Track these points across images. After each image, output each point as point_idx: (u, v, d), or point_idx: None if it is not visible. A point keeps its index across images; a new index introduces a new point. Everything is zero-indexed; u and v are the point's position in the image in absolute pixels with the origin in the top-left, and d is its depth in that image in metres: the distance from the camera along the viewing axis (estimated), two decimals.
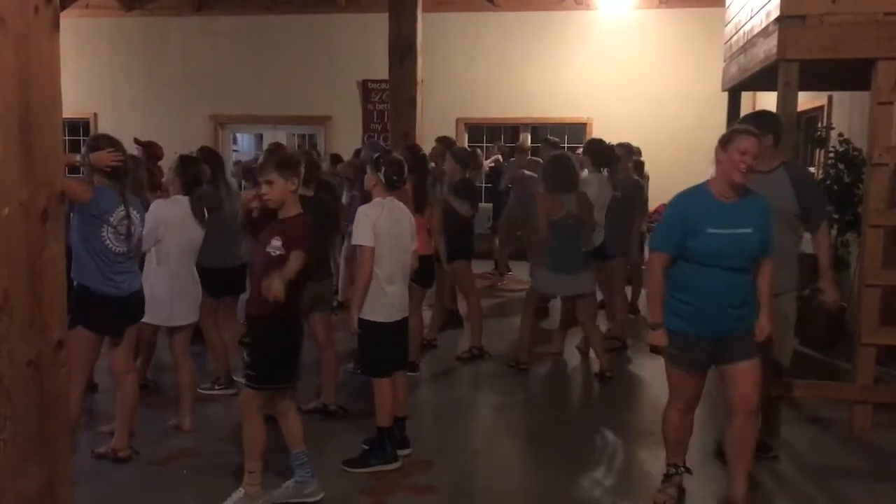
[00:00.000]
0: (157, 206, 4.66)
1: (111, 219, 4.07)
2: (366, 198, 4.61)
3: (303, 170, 3.95)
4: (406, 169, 4.51)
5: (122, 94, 12.64)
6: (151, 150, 6.99)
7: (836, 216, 6.80)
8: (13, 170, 2.57)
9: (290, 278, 3.57)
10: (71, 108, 11.37)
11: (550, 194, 5.89)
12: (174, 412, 4.95)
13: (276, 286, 3.50)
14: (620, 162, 7.07)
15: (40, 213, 2.69)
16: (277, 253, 3.67)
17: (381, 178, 4.30)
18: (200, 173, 4.86)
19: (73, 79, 11.59)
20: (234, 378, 5.50)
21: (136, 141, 6.89)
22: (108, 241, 4.08)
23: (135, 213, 4.23)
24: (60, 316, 2.93)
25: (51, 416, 2.89)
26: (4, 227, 2.58)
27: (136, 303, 4.34)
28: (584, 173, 7.83)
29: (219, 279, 5.31)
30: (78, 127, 12.50)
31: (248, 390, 3.79)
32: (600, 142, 6.96)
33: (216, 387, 5.52)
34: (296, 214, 3.78)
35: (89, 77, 12.31)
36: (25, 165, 2.61)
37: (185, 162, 4.86)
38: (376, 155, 4.54)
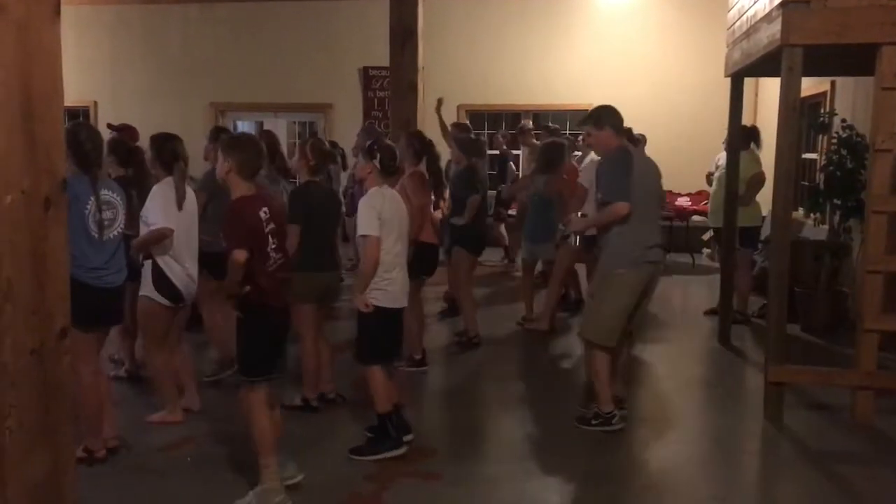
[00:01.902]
0: (156, 190, 4.60)
1: (87, 207, 3.98)
2: None
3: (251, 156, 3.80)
4: (398, 155, 4.48)
5: (122, 82, 12.60)
6: (127, 134, 6.88)
7: (838, 202, 6.79)
8: (15, 157, 2.56)
9: (231, 288, 3.62)
10: (71, 96, 11.32)
11: (530, 174, 7.12)
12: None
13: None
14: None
15: (43, 201, 2.68)
16: (223, 246, 3.68)
17: (378, 165, 4.26)
18: (177, 148, 4.71)
19: (74, 67, 11.54)
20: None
21: (110, 126, 6.81)
22: (85, 230, 3.97)
23: (115, 197, 4.16)
24: (63, 304, 2.93)
25: (55, 404, 2.89)
26: (7, 215, 2.57)
27: (118, 301, 4.26)
28: (591, 156, 7.87)
29: (221, 262, 5.27)
30: (78, 115, 12.46)
31: (244, 384, 3.75)
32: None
33: (226, 371, 5.47)
34: (232, 201, 3.70)
35: (89, 65, 12.27)
36: (27, 153, 2.60)
37: (157, 140, 4.74)
38: (369, 143, 4.49)
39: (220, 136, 5.25)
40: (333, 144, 9.02)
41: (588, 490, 4.03)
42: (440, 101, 7.89)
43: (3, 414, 2.69)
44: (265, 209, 3.71)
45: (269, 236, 3.68)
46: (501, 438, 4.74)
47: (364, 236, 4.16)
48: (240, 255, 3.54)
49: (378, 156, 4.24)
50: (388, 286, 4.23)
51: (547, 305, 6.92)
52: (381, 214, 4.15)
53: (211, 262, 5.11)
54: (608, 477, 4.17)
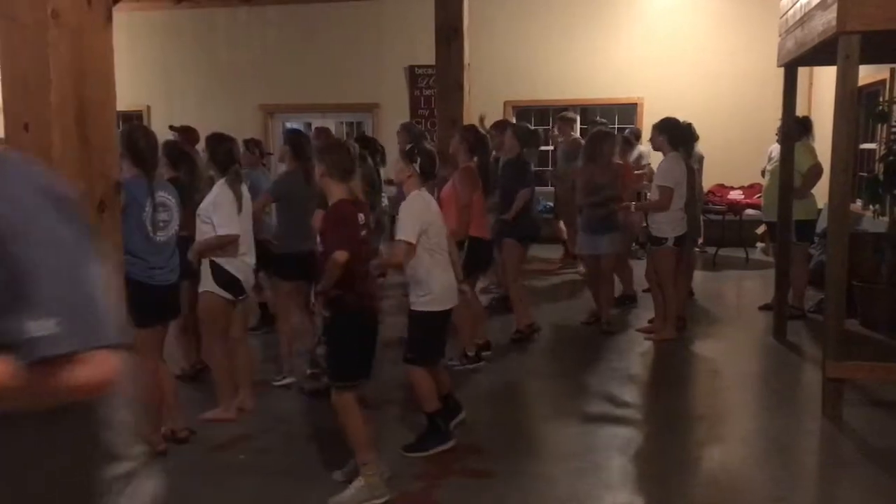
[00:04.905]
0: (218, 192, 4.66)
1: (145, 210, 4.07)
2: None
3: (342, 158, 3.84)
4: (437, 160, 4.46)
5: (173, 85, 12.84)
6: (188, 136, 6.97)
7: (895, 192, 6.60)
8: (71, 162, 2.63)
9: (328, 288, 3.62)
10: (125, 100, 11.56)
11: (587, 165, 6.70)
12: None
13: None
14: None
15: (98, 204, 2.75)
16: (320, 248, 3.70)
17: (417, 168, 4.25)
18: (232, 149, 4.80)
19: (126, 71, 11.71)
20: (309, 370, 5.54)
21: (171, 128, 6.93)
22: (143, 231, 4.07)
23: (170, 199, 4.25)
24: (119, 306, 2.98)
25: None
26: None
27: (173, 298, 4.36)
28: (639, 150, 7.82)
29: (291, 265, 5.35)
30: (132, 119, 12.73)
31: (335, 389, 3.79)
32: (676, 120, 6.71)
33: (293, 377, 5.51)
34: (332, 204, 3.74)
35: (142, 69, 12.53)
36: (82, 157, 2.66)
37: (212, 141, 4.83)
38: (409, 146, 4.49)
39: (297, 140, 5.41)
40: (370, 140, 8.97)
41: (642, 489, 3.97)
42: (482, 118, 7.89)
43: None
44: (362, 214, 3.79)
45: (362, 241, 3.74)
46: (553, 436, 4.70)
47: (401, 240, 4.15)
48: (341, 256, 3.57)
49: (418, 160, 4.24)
50: (442, 289, 4.23)
51: (667, 313, 6.58)
52: (422, 221, 4.15)
53: (283, 264, 5.20)
54: (663, 476, 4.10)
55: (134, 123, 5.19)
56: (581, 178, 6.88)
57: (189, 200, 4.81)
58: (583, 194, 6.74)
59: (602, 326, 6.72)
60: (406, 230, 4.13)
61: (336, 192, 3.75)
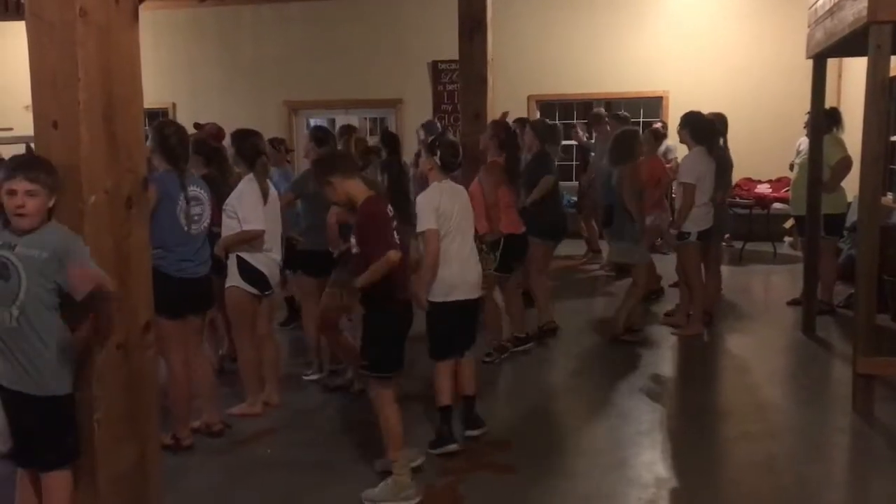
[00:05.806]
0: (243, 187, 4.69)
1: (178, 203, 4.11)
2: None
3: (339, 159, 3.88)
4: (461, 151, 4.43)
5: (198, 83, 12.92)
6: (206, 131, 6.99)
7: None
8: (98, 158, 2.65)
9: (363, 286, 3.62)
10: (150, 97, 11.64)
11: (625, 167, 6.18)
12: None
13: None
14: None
15: (125, 200, 2.77)
16: (355, 250, 3.70)
17: (438, 161, 4.25)
18: (258, 143, 4.83)
19: (152, 69, 11.84)
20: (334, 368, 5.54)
21: (197, 125, 6.97)
22: (177, 225, 4.11)
23: (202, 192, 4.28)
24: (146, 300, 3.01)
25: (139, 397, 2.97)
26: (92, 214, 2.66)
27: (204, 289, 4.39)
28: (666, 144, 7.61)
29: (318, 261, 5.38)
30: (157, 117, 12.82)
31: (372, 380, 3.81)
32: (700, 114, 6.59)
33: (313, 373, 5.53)
34: (360, 204, 3.72)
35: (167, 67, 12.62)
36: (110, 154, 2.68)
37: (237, 137, 4.86)
38: (431, 138, 4.49)
39: (320, 136, 5.46)
40: (392, 136, 8.93)
41: (669, 485, 3.94)
42: (505, 114, 7.83)
43: (93, 406, 2.79)
44: (389, 206, 3.81)
45: (395, 232, 3.74)
46: (577, 432, 4.68)
47: (422, 233, 4.15)
48: (395, 255, 3.58)
49: (438, 152, 4.23)
50: (445, 279, 4.19)
51: (694, 307, 6.51)
52: (437, 209, 4.14)
53: (308, 260, 5.21)
54: (690, 471, 4.06)
55: (164, 119, 5.23)
56: (623, 181, 6.35)
57: (221, 196, 4.85)
58: (627, 198, 6.16)
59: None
60: (424, 220, 4.14)
61: (357, 191, 3.74)
